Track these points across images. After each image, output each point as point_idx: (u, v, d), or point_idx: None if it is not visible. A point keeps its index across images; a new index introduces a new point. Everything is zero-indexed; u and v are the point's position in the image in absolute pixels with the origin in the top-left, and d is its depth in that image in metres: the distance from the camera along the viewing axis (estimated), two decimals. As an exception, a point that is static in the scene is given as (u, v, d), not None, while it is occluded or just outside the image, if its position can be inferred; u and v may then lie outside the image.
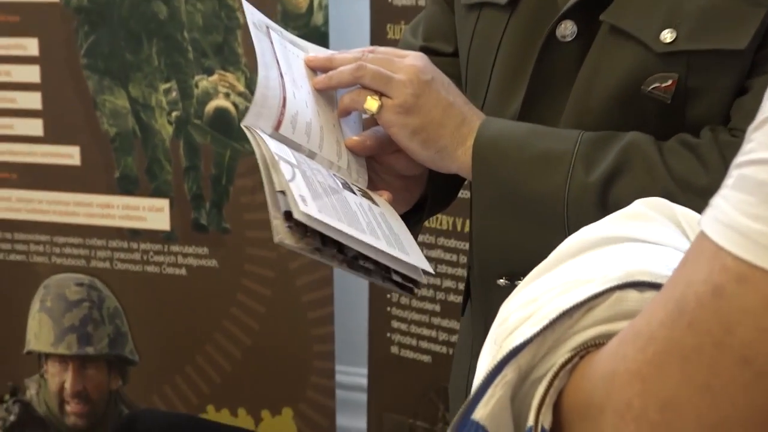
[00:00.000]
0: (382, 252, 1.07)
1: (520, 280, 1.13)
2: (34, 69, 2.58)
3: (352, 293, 2.60)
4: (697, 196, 1.02)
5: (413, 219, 1.28)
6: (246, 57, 2.42)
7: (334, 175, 1.14)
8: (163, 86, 2.49)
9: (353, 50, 1.21)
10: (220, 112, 2.45)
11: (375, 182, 1.24)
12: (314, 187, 1.05)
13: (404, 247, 1.11)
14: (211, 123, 2.48)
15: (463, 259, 2.29)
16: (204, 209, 2.51)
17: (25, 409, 2.73)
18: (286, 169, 1.04)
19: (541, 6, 1.17)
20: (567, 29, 1.13)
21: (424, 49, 1.36)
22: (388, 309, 2.42)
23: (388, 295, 2.42)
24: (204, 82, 2.46)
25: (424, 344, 2.37)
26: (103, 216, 2.60)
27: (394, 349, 2.41)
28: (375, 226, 1.09)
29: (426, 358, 2.38)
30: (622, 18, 1.09)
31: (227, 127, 2.45)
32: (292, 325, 2.50)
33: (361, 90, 1.17)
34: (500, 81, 1.21)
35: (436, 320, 2.37)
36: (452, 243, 2.31)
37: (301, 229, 1.00)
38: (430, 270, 1.12)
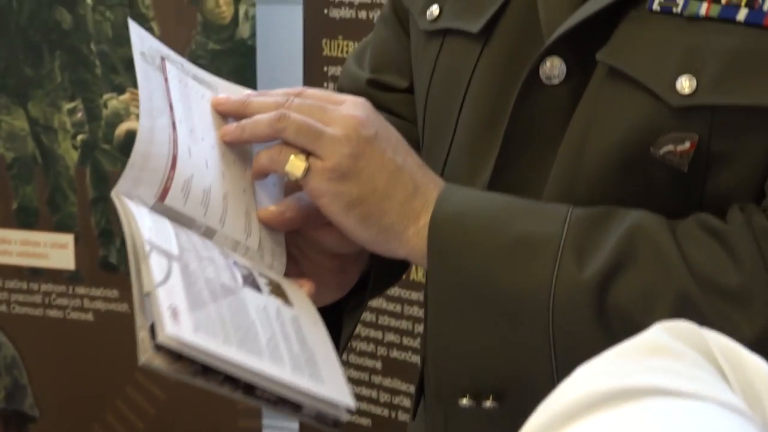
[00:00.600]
0: (284, 384, 0.80)
1: (488, 400, 0.87)
2: None
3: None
4: (724, 301, 0.81)
5: (352, 303, 1.02)
6: (162, 73, 2.18)
7: (234, 263, 0.89)
8: (68, 105, 2.31)
9: (276, 91, 0.95)
10: (133, 135, 2.19)
11: (299, 263, 0.97)
12: (197, 290, 0.80)
13: (319, 371, 0.84)
14: (121, 148, 2.31)
15: (409, 310, 2.12)
16: (114, 246, 2.37)
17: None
18: (158, 264, 0.79)
19: (524, 36, 0.93)
20: (554, 69, 0.89)
21: (372, 83, 1.12)
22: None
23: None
24: (114, 102, 2.28)
25: (363, 406, 2.18)
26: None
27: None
28: (280, 342, 0.83)
29: (365, 422, 2.19)
30: (624, 58, 0.86)
31: (139, 153, 2.21)
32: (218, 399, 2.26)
33: (283, 147, 0.91)
34: (468, 133, 0.96)
35: (377, 379, 2.20)
36: (396, 292, 2.12)
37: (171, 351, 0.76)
38: (351, 405, 0.84)
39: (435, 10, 1.00)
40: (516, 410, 0.64)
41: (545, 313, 0.84)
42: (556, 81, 0.89)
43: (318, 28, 2.15)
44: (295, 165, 0.89)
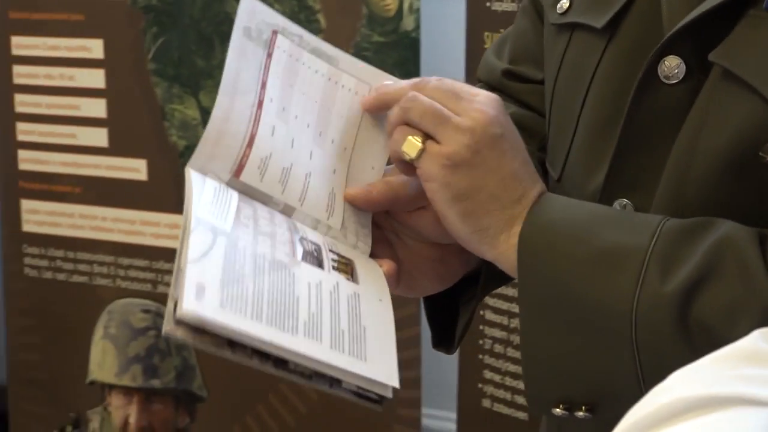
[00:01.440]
0: (314, 360, 0.81)
1: (581, 411, 0.86)
2: (99, 73, 2.40)
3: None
4: None
5: (468, 294, 1.00)
6: (327, 65, 2.19)
7: (301, 239, 0.89)
8: None
9: (407, 82, 0.93)
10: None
11: (395, 248, 0.97)
12: (238, 266, 0.81)
13: (364, 349, 0.84)
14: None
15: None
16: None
17: (87, 443, 2.57)
18: (200, 241, 0.80)
19: (647, 33, 0.90)
20: (672, 68, 0.86)
21: (507, 73, 1.11)
22: (480, 357, 2.18)
23: (480, 341, 2.17)
24: None
25: (520, 399, 2.13)
26: (171, 237, 2.41)
27: (486, 403, 2.16)
28: (323, 321, 0.83)
29: (522, 415, 2.14)
30: (737, 60, 0.83)
31: (306, 143, 2.22)
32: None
33: (404, 127, 0.89)
34: (589, 129, 0.95)
35: (535, 373, 2.11)
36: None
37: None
38: (396, 384, 0.84)
39: (565, 3, 0.98)
40: (610, 420, 0.63)
41: (628, 326, 0.82)
42: (674, 80, 0.86)
43: (480, 21, 2.11)
44: (411, 144, 0.88)
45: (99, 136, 2.41)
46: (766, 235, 0.81)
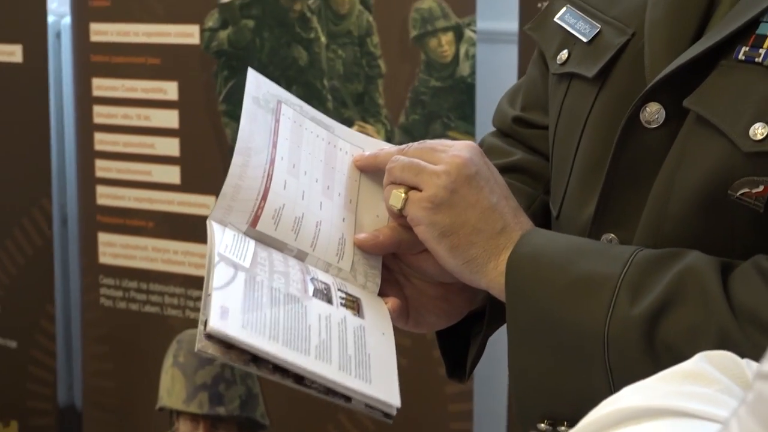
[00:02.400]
0: (324, 378, 0.91)
1: (563, 426, 0.94)
2: (173, 114, 2.50)
3: (494, 365, 2.40)
4: (761, 332, 0.84)
5: (477, 329, 1.10)
6: (387, 108, 2.27)
7: (312, 279, 1.00)
8: None
9: (390, 148, 1.09)
10: (359, 166, 2.29)
11: (403, 288, 1.07)
12: (256, 297, 0.92)
13: (369, 373, 0.94)
14: (349, 177, 2.34)
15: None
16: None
17: (156, 467, 2.64)
18: (223, 273, 0.92)
19: (632, 82, 0.98)
20: (653, 113, 0.94)
21: (517, 120, 1.20)
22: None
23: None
24: None
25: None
26: (238, 270, 2.47)
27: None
28: (332, 346, 0.93)
29: None
30: (708, 105, 0.90)
31: (366, 183, 2.29)
32: (428, 400, 2.32)
33: (390, 185, 1.02)
34: (582, 168, 1.03)
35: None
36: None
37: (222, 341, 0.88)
38: (397, 403, 0.93)
39: (564, 54, 1.07)
40: None
41: (601, 347, 0.89)
42: (654, 125, 0.94)
43: None
44: (396, 196, 1.00)
45: (172, 174, 2.52)
46: (729, 265, 0.88)
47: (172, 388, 2.58)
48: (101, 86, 2.57)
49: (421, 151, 1.01)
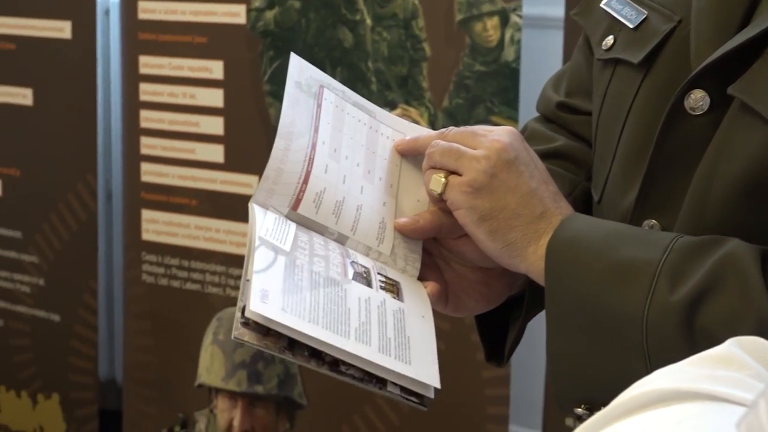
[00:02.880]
0: (363, 360, 0.91)
1: (600, 411, 0.94)
2: (218, 93, 2.51)
3: (531, 351, 2.40)
4: None
5: (516, 314, 1.09)
6: (431, 92, 2.27)
7: (352, 262, 1.00)
8: None
9: (430, 132, 1.09)
10: (402, 148, 2.29)
11: (443, 272, 1.07)
12: (297, 279, 0.93)
13: (408, 355, 0.94)
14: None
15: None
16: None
17: (194, 443, 2.67)
18: (263, 256, 0.93)
19: (678, 68, 0.98)
20: (697, 100, 0.94)
21: (561, 105, 1.20)
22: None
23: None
24: None
25: None
26: (279, 250, 2.48)
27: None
28: (371, 329, 0.94)
29: None
30: (753, 93, 0.90)
31: (408, 166, 2.29)
32: (465, 384, 2.32)
33: (430, 170, 1.03)
34: (625, 154, 1.03)
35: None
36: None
37: (260, 326, 0.89)
38: (436, 384, 0.94)
39: (610, 40, 1.07)
40: None
41: (640, 333, 0.89)
42: (699, 112, 0.94)
43: None
44: (436, 181, 1.00)
45: (216, 152, 2.53)
46: None
47: (211, 366, 2.60)
48: (148, 64, 2.59)
49: (461, 136, 1.01)
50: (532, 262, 0.98)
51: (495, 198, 0.98)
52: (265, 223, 0.97)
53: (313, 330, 0.89)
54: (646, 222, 0.98)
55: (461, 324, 2.29)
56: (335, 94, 1.08)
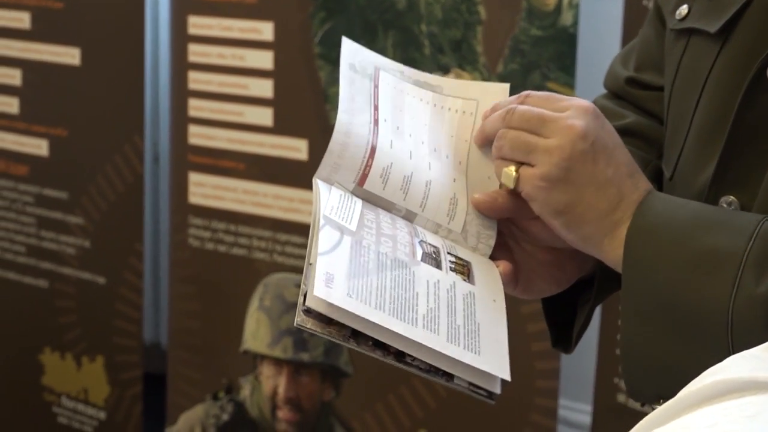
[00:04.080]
0: (431, 350, 0.87)
1: None
2: (268, 55, 2.47)
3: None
4: None
5: (585, 297, 1.04)
6: (485, 56, 2.21)
7: (421, 241, 0.95)
8: None
9: (507, 100, 1.01)
10: (454, 114, 2.24)
11: (513, 252, 1.02)
12: (363, 261, 0.88)
13: (478, 344, 0.90)
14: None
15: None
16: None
17: (238, 410, 2.65)
18: (328, 237, 0.88)
19: (760, 39, 0.92)
20: None
21: (631, 81, 1.14)
22: (617, 352, 2.15)
23: (618, 336, 2.15)
24: None
25: None
26: (327, 216, 2.45)
27: (621, 398, 2.15)
28: (442, 314, 0.89)
29: None
30: None
31: (460, 132, 2.24)
32: (515, 357, 2.27)
33: (500, 162, 0.98)
34: (701, 128, 0.97)
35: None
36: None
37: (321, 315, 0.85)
38: (507, 377, 0.90)
39: (684, 9, 1.01)
40: None
41: (725, 328, 0.84)
42: None
43: (637, 18, 2.07)
44: (507, 175, 0.95)
45: (264, 116, 2.49)
46: None
47: (256, 332, 2.57)
48: (197, 24, 2.55)
49: (528, 119, 0.95)
50: (610, 251, 0.93)
51: (570, 192, 0.93)
52: (330, 200, 0.93)
53: (379, 317, 0.86)
54: (723, 199, 0.93)
55: (511, 296, 2.24)
56: (392, 75, 1.03)
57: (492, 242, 1.00)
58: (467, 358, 0.87)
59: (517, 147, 0.95)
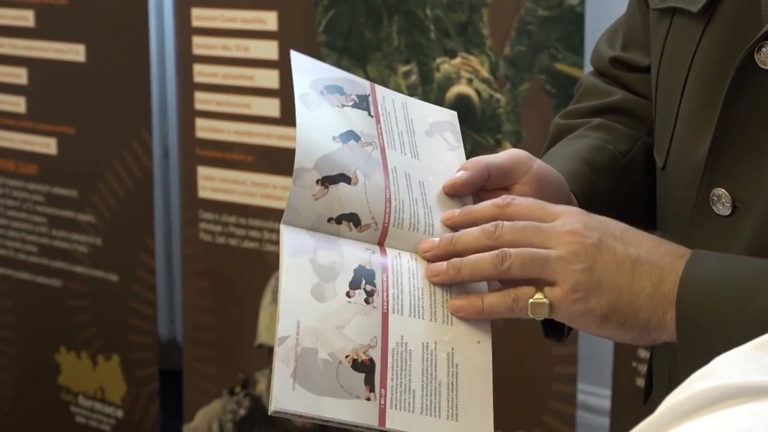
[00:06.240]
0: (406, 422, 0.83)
1: None
2: (273, 45, 2.44)
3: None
4: None
5: None
6: (491, 39, 2.17)
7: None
8: (403, 68, 2.30)
9: (482, 205, 0.92)
10: (462, 99, 2.21)
11: None
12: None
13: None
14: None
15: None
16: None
17: (255, 404, 2.62)
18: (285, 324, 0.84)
19: (744, 19, 0.88)
20: None
21: (615, 61, 1.10)
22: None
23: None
24: (446, 66, 2.24)
25: None
26: (337, 206, 2.42)
27: (640, 382, 2.12)
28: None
29: None
30: None
31: (469, 116, 2.20)
32: (532, 342, 2.24)
33: (513, 291, 0.88)
34: (689, 112, 0.93)
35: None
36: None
37: None
38: None
39: None
40: None
41: None
42: None
43: None
44: (539, 307, 0.86)
45: (271, 106, 2.46)
46: None
47: (271, 325, 2.54)
48: (200, 16, 2.52)
49: (524, 233, 0.87)
50: (674, 330, 0.84)
51: (605, 291, 0.85)
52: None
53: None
54: (714, 192, 0.89)
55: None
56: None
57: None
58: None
59: (529, 263, 0.85)
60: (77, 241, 2.77)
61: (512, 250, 0.86)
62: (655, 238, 0.88)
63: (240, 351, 2.61)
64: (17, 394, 2.95)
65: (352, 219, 0.91)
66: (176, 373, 2.78)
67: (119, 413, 2.79)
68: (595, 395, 2.63)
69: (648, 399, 1.08)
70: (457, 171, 0.94)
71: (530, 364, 2.26)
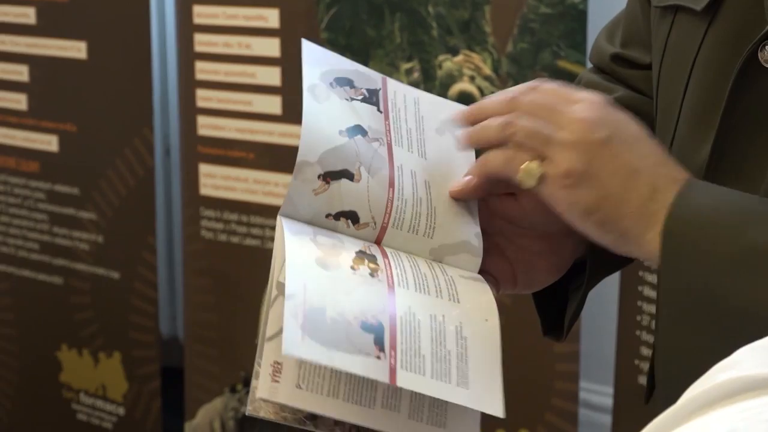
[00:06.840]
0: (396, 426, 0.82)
1: None
2: (275, 42, 2.43)
3: (601, 303, 2.33)
4: None
5: (576, 282, 0.99)
6: (494, 36, 2.17)
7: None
8: (405, 65, 2.29)
9: (511, 89, 0.93)
10: (465, 96, 2.21)
11: (506, 251, 0.96)
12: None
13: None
14: (454, 108, 2.26)
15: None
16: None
17: (256, 401, 2.61)
18: (279, 314, 0.81)
19: (749, 17, 0.87)
20: None
21: (616, 57, 1.09)
22: (637, 333, 2.13)
23: (638, 317, 2.12)
24: (448, 63, 2.24)
25: None
26: (339, 204, 2.42)
27: (642, 380, 2.11)
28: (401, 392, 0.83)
29: None
30: None
31: (471, 114, 2.20)
32: (534, 340, 2.24)
33: (516, 152, 0.88)
34: (691, 111, 0.92)
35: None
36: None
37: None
38: (500, 414, 0.83)
39: None
40: None
41: None
42: None
43: None
44: (529, 172, 0.87)
45: (273, 104, 2.46)
46: None
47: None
48: (202, 13, 2.52)
49: (540, 108, 0.87)
50: (651, 248, 0.84)
51: (596, 187, 0.85)
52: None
53: (331, 407, 0.80)
54: None
55: (528, 278, 2.21)
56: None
57: (477, 251, 0.94)
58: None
59: (533, 135, 0.87)
60: (79, 238, 2.77)
61: (521, 121, 0.88)
62: (663, 157, 0.87)
63: (242, 348, 2.60)
64: (19, 391, 2.95)
65: (351, 216, 0.90)
66: (178, 371, 2.77)
67: (121, 411, 2.79)
68: (597, 393, 2.63)
69: (650, 397, 1.08)
70: (465, 175, 0.94)
71: (532, 362, 2.26)
